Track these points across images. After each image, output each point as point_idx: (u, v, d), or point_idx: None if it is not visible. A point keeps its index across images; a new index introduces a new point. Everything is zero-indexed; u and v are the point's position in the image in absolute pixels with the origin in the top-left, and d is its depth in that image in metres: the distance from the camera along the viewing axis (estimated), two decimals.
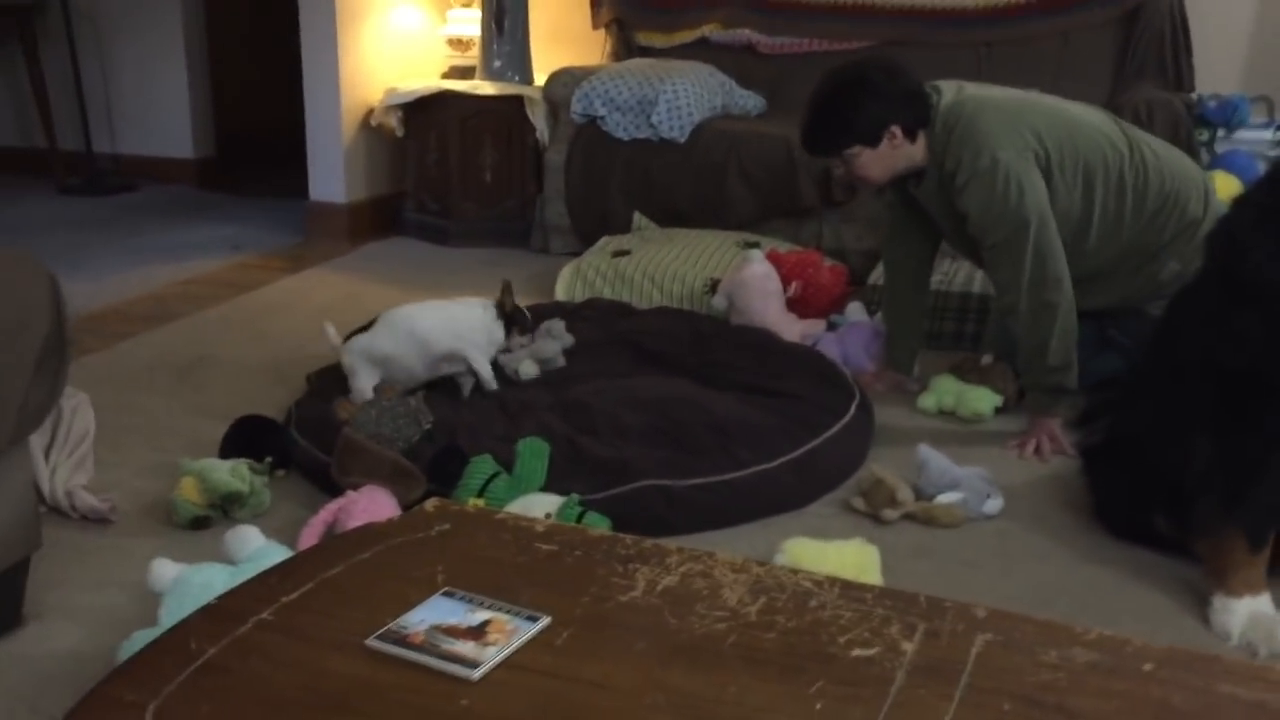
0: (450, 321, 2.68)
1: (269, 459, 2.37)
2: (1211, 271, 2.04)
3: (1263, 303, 1.85)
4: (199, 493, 2.20)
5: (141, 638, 1.62)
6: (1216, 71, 4.18)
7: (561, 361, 2.87)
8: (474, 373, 2.70)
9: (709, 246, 3.70)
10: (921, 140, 2.65)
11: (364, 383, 2.61)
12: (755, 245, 3.62)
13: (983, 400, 2.77)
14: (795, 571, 1.31)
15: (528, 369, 2.81)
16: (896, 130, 2.62)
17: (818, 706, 1.06)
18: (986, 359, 2.86)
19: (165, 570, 1.82)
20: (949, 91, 2.66)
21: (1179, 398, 2.06)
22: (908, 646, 1.16)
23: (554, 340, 2.88)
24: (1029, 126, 2.60)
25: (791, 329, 3.14)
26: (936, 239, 2.94)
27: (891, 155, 2.65)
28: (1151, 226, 2.69)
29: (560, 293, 3.63)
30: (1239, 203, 2.01)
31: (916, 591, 1.27)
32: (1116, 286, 2.77)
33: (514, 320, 2.73)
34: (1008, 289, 2.61)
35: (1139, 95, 3.74)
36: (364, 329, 2.77)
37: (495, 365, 2.75)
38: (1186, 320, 2.11)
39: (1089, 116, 2.74)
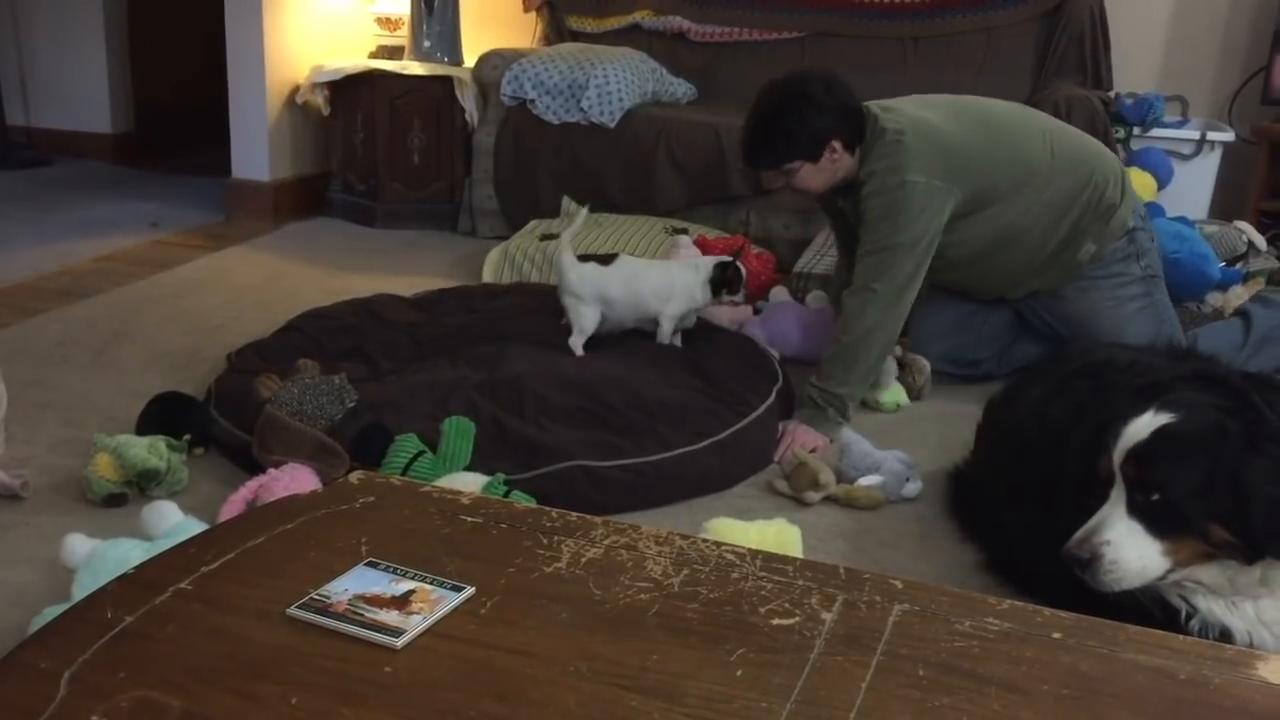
0: (668, 287, 2.78)
1: (187, 436, 2.33)
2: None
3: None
4: (115, 469, 2.15)
5: (53, 613, 1.57)
6: (1133, 70, 4.29)
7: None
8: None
9: (637, 232, 3.71)
10: (857, 153, 2.65)
11: (588, 319, 2.70)
12: (683, 231, 3.64)
13: (885, 395, 2.80)
14: (718, 544, 1.33)
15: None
16: (837, 144, 2.60)
17: (738, 673, 1.08)
18: (896, 350, 2.89)
19: (79, 545, 1.79)
20: (885, 105, 2.66)
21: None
22: (827, 616, 1.18)
23: None
24: (955, 160, 2.59)
25: (719, 314, 3.16)
26: None
27: (831, 168, 2.64)
28: (1075, 220, 2.73)
29: (487, 275, 3.61)
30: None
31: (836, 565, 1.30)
32: (1038, 277, 2.84)
33: (726, 283, 2.81)
34: (861, 297, 2.56)
35: (1059, 92, 3.82)
36: (598, 259, 2.83)
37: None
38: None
39: (1020, 124, 2.75)
